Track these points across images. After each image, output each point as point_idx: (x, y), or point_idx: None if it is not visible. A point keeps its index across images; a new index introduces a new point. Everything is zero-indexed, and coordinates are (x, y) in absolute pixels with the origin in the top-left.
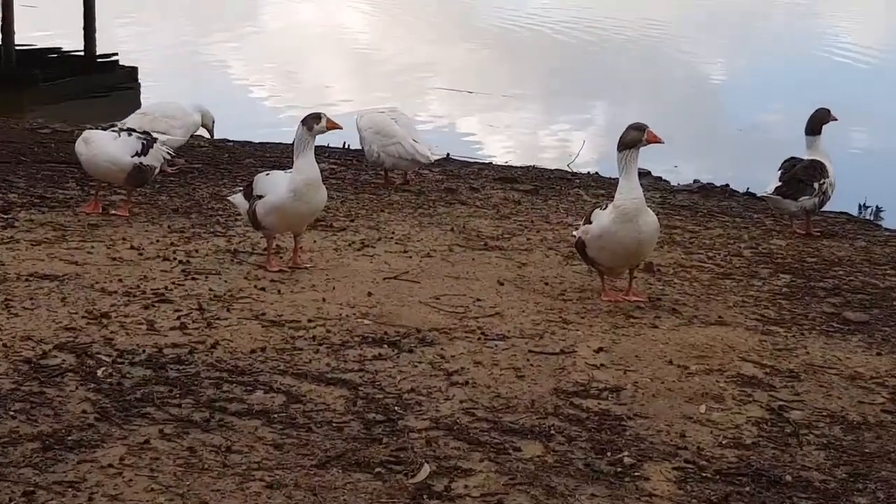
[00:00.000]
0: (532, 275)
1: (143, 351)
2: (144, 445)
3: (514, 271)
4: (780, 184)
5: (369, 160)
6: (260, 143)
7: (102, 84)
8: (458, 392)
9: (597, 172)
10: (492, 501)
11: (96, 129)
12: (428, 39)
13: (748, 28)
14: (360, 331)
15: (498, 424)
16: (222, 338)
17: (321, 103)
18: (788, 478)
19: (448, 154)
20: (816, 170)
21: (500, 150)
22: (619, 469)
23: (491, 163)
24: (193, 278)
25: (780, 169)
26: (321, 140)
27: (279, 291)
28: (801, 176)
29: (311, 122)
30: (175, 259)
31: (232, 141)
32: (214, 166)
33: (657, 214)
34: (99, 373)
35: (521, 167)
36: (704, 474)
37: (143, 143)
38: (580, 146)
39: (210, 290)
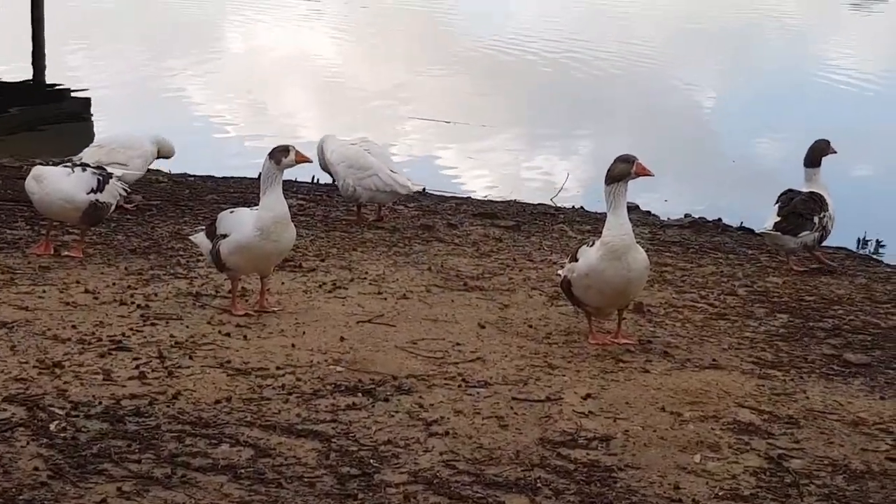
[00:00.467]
0: (515, 317)
1: (100, 403)
2: None
3: (495, 313)
4: (778, 219)
5: (344, 195)
6: (223, 177)
7: (53, 116)
8: (438, 443)
9: (582, 207)
10: None
11: (47, 164)
12: (402, 66)
13: (738, 53)
14: (332, 379)
15: (481, 477)
16: (184, 388)
17: (288, 135)
18: None
19: (424, 188)
20: (816, 203)
21: (479, 183)
22: None
23: (469, 197)
24: (153, 324)
25: (776, 203)
26: (288, 174)
27: (245, 337)
28: (801, 210)
29: (279, 155)
30: (133, 303)
31: (193, 176)
32: (174, 203)
33: (646, 251)
34: (52, 427)
35: (501, 202)
36: None
37: (98, 179)
38: (564, 179)
39: (171, 336)
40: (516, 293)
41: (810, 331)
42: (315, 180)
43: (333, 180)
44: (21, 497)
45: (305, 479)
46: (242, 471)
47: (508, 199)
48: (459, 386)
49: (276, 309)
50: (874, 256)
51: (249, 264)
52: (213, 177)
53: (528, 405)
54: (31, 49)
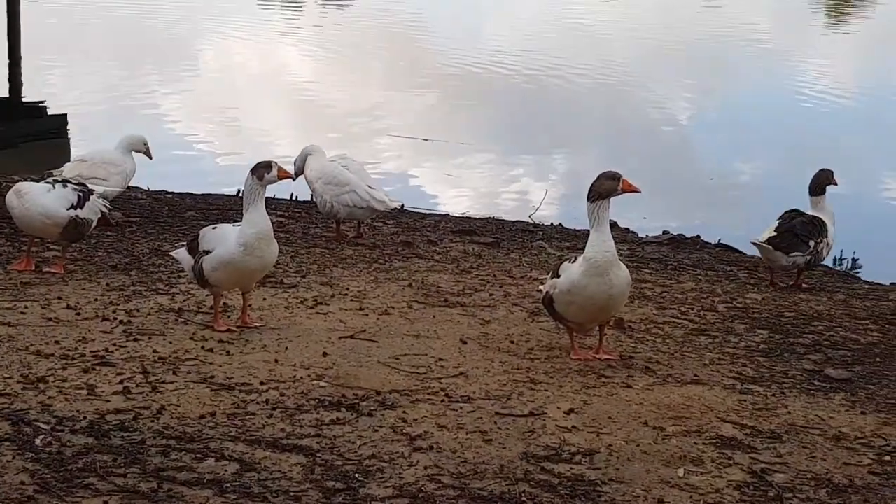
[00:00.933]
0: (496, 332)
1: (84, 417)
2: None
3: (477, 329)
4: (774, 234)
5: (322, 212)
6: (202, 194)
7: (30, 133)
8: (423, 458)
9: (560, 224)
10: None
11: (26, 180)
12: (380, 83)
13: (714, 71)
14: (315, 394)
15: (465, 491)
16: (169, 402)
17: (265, 152)
18: None
19: (402, 205)
20: (815, 227)
21: (457, 200)
22: None
23: (448, 214)
24: (136, 339)
25: (778, 219)
26: (267, 191)
27: (228, 353)
28: (799, 230)
29: (262, 171)
30: (115, 319)
31: (171, 192)
32: (154, 220)
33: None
34: (37, 441)
35: (479, 219)
36: None
37: (79, 195)
38: (542, 196)
39: (154, 351)
40: (497, 309)
41: (791, 346)
42: (294, 197)
43: (312, 196)
44: None
45: (291, 494)
46: (228, 485)
47: (487, 216)
48: (443, 401)
49: (258, 325)
50: (851, 273)
51: (232, 280)
52: (191, 193)
53: (512, 420)
54: (6, 66)
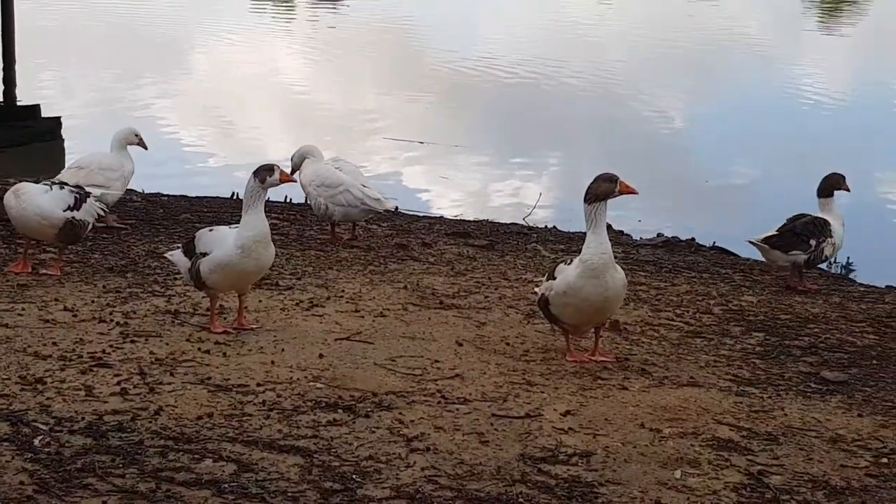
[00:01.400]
0: (492, 334)
1: (83, 418)
2: None
3: (472, 331)
4: (773, 233)
5: (318, 215)
6: (196, 197)
7: (24, 135)
8: (420, 459)
9: (555, 227)
10: None
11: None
12: (373, 86)
13: (709, 73)
14: (312, 395)
15: (462, 493)
16: (166, 403)
17: (259, 154)
18: None
19: (397, 206)
20: (817, 227)
21: (451, 203)
22: None
23: (442, 217)
24: (133, 341)
25: (786, 221)
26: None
27: (225, 354)
28: (799, 230)
29: (264, 174)
30: (112, 321)
31: (166, 195)
32: (149, 222)
33: None
34: (36, 442)
35: (474, 221)
36: None
37: (75, 197)
38: (536, 199)
39: (151, 353)
40: (492, 311)
41: (786, 349)
42: (287, 200)
43: (306, 199)
44: None
45: (289, 494)
46: (226, 485)
47: (481, 218)
48: (439, 402)
49: (254, 326)
50: (845, 276)
51: (229, 282)
52: (186, 196)
53: (508, 421)
54: (0, 68)
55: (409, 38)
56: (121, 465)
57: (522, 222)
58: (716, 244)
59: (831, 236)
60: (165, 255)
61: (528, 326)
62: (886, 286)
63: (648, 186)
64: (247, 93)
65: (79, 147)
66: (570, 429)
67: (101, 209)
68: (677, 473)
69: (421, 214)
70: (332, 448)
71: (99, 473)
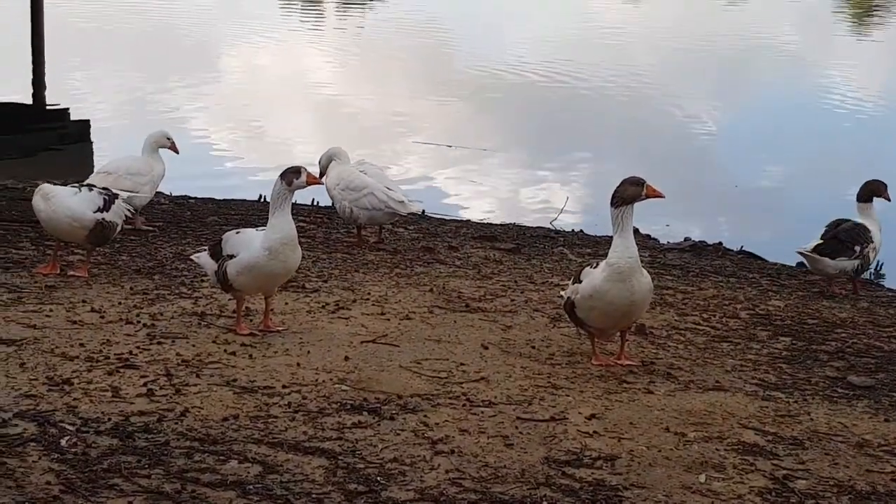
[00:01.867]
0: (518, 338)
1: (109, 419)
2: None
3: (498, 334)
4: (820, 242)
5: (343, 217)
6: (223, 199)
7: (53, 138)
8: (444, 461)
9: (581, 231)
10: None
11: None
12: (402, 90)
13: (739, 78)
14: (337, 397)
15: (487, 495)
16: (192, 405)
17: (286, 157)
18: None
19: (423, 210)
20: (859, 233)
21: (478, 206)
22: None
23: (469, 220)
24: (159, 342)
25: (825, 227)
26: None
27: (251, 356)
28: (843, 237)
29: (291, 176)
30: (139, 322)
31: (193, 198)
32: (176, 224)
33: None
34: (63, 442)
35: (500, 225)
36: None
37: (104, 199)
38: (563, 203)
39: (177, 354)
40: (518, 315)
41: (813, 353)
42: (314, 203)
43: (332, 202)
44: None
45: (314, 496)
46: (251, 487)
47: (508, 222)
48: (464, 405)
49: (280, 329)
50: (875, 281)
51: (256, 284)
52: (213, 199)
53: (533, 425)
54: (31, 71)
55: (438, 40)
56: (147, 466)
57: (549, 226)
58: (743, 248)
59: (872, 241)
60: (192, 257)
61: (554, 330)
62: None
63: (676, 190)
64: (275, 95)
65: (108, 150)
66: (594, 432)
67: (129, 210)
68: (702, 477)
69: (448, 218)
70: (356, 450)
71: (125, 474)
